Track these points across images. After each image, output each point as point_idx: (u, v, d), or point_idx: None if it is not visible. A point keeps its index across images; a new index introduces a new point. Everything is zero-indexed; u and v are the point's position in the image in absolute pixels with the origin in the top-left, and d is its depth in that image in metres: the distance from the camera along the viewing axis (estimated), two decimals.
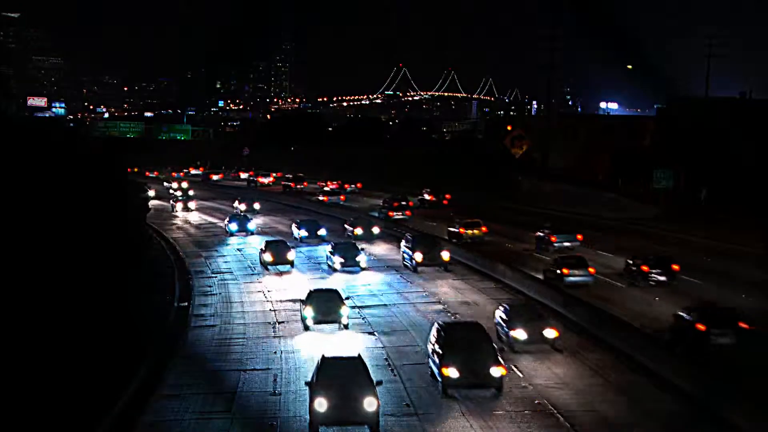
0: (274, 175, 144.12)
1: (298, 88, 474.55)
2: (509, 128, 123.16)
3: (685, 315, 34.51)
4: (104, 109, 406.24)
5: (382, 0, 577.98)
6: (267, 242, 58.66)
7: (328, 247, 56.99)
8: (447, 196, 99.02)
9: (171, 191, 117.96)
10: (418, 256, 53.23)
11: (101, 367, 31.17)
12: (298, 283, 51.40)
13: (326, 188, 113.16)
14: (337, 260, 54.04)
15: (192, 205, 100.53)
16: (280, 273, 55.39)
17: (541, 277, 47.98)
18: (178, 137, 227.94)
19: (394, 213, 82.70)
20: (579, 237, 59.41)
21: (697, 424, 26.44)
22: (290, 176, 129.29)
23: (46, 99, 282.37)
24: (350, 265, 53.89)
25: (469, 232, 66.26)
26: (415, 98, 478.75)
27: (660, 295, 44.13)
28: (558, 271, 46.92)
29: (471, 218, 68.67)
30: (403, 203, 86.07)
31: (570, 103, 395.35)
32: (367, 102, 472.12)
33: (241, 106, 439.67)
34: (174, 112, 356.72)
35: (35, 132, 51.35)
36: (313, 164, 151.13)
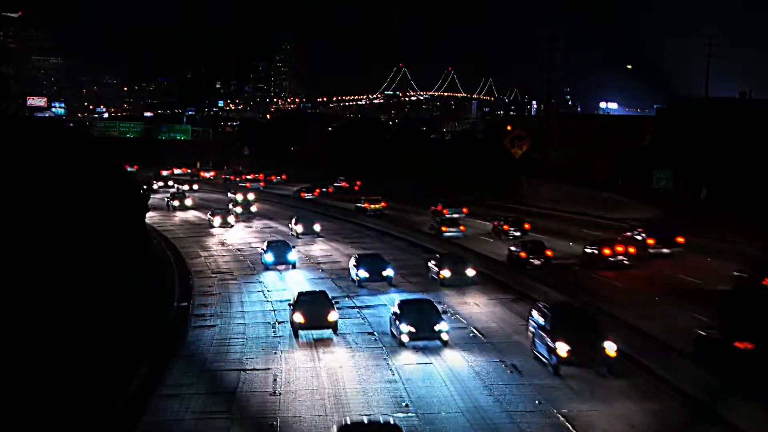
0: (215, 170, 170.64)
1: (297, 88, 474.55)
2: (509, 128, 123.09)
3: (514, 249, 55.60)
4: (104, 109, 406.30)
5: (382, 0, 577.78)
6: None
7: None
8: (358, 182, 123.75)
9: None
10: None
11: (101, 367, 31.14)
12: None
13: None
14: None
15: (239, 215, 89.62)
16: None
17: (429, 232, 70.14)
18: (178, 137, 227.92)
19: (306, 194, 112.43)
20: (464, 210, 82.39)
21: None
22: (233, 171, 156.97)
23: (45, 99, 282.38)
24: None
25: (372, 206, 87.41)
26: (415, 98, 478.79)
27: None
28: (439, 228, 69.48)
29: (374, 196, 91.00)
30: (311, 186, 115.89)
31: (570, 103, 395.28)
32: (367, 102, 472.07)
33: (240, 106, 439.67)
34: (174, 112, 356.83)
35: (29, 132, 51.31)
36: (313, 164, 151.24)
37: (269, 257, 56.34)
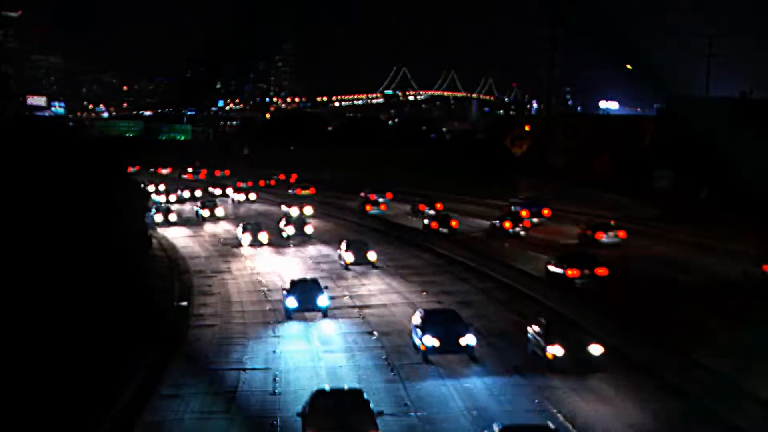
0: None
1: (297, 88, 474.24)
2: (519, 130, 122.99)
3: (426, 221, 74.89)
4: (104, 109, 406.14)
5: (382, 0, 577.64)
6: None
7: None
8: (293, 175, 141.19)
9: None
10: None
11: (101, 367, 31.13)
12: None
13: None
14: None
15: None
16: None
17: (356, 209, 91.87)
18: (178, 137, 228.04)
19: (242, 183, 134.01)
20: (388, 195, 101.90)
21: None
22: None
23: (45, 98, 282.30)
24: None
25: (304, 192, 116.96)
26: (415, 97, 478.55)
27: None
28: (363, 209, 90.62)
29: (307, 183, 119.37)
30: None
31: (570, 102, 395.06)
32: (367, 101, 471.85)
33: (240, 106, 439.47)
34: (174, 111, 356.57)
35: (27, 132, 51.29)
36: (314, 164, 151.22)
37: (291, 302, 42.81)
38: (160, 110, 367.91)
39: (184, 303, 47.57)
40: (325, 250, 66.27)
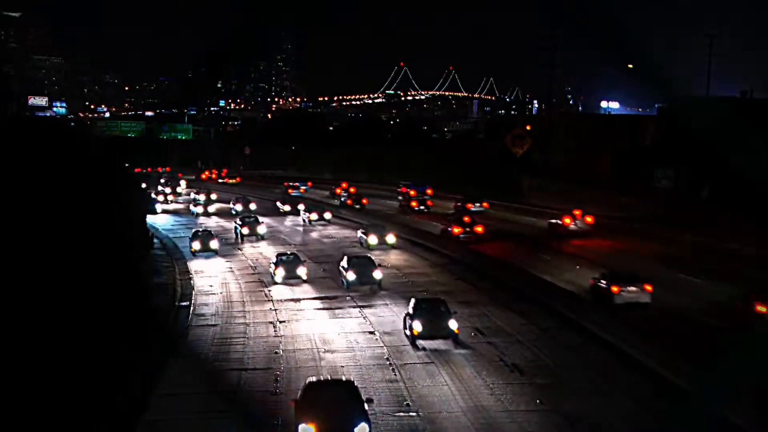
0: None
1: (299, 88, 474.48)
2: (517, 131, 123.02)
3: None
4: (105, 109, 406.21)
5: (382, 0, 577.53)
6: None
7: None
8: (224, 170, 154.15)
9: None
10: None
11: (102, 366, 31.17)
12: None
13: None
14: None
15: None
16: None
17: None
18: (179, 137, 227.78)
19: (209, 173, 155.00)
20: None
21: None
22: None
23: (47, 98, 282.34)
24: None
25: (230, 181, 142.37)
26: (416, 98, 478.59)
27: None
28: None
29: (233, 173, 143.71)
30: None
31: (571, 102, 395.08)
32: (368, 101, 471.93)
33: (242, 106, 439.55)
34: (175, 111, 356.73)
35: (29, 131, 51.31)
36: (314, 163, 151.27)
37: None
38: (161, 110, 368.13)
39: (185, 303, 47.63)
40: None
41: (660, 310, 40.59)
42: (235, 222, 75.49)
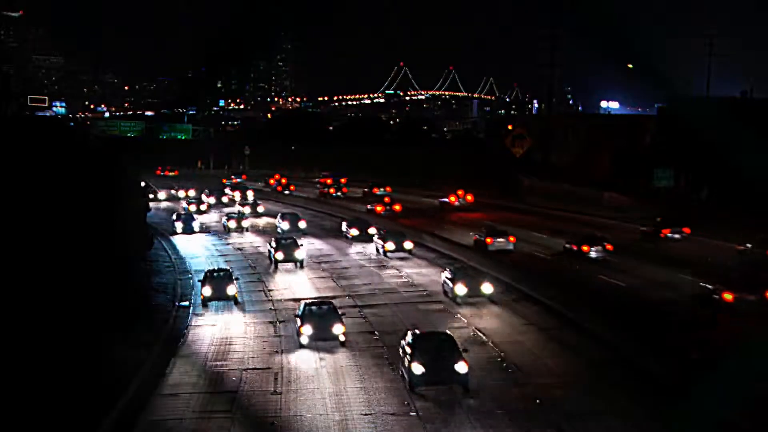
0: None
1: (298, 88, 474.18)
2: (510, 127, 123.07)
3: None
4: (105, 108, 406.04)
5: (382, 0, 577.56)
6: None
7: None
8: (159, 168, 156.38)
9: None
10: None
11: (102, 366, 31.18)
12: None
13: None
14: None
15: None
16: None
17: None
18: (179, 137, 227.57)
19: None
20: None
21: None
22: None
23: (46, 98, 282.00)
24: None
25: (171, 173, 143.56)
26: (416, 97, 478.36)
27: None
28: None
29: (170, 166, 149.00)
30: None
31: (570, 102, 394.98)
32: (368, 101, 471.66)
33: (241, 106, 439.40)
34: (175, 111, 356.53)
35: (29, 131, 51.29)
36: (314, 163, 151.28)
37: None
38: (161, 110, 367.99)
39: (185, 303, 47.63)
40: None
41: (519, 253, 59.74)
42: (269, 244, 61.41)
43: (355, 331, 39.59)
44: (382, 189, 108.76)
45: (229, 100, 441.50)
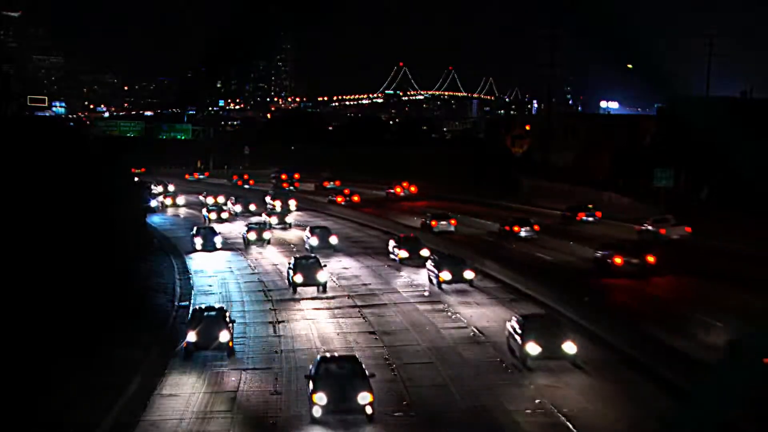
0: None
1: (298, 88, 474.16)
2: (509, 127, 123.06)
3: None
4: (104, 108, 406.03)
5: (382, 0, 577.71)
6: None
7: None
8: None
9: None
10: None
11: (102, 366, 31.16)
12: None
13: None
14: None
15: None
16: None
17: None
18: (179, 137, 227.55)
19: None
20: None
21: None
22: None
23: (46, 98, 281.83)
24: None
25: (139, 171, 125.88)
26: (416, 98, 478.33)
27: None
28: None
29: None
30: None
31: (570, 102, 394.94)
32: (368, 101, 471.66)
33: (241, 106, 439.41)
34: (174, 111, 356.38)
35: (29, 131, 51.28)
36: (314, 163, 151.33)
37: None
38: (160, 110, 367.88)
39: (185, 303, 47.63)
40: None
41: (460, 234, 70.96)
42: (289, 263, 52.07)
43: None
44: (332, 183, 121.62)
45: (229, 100, 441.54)
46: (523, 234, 67.78)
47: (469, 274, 49.41)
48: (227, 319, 36.86)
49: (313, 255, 54.28)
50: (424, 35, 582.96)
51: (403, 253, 57.81)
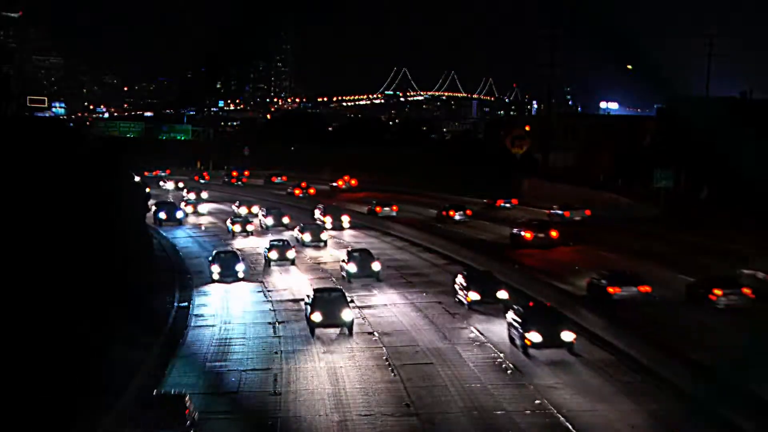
0: None
1: (298, 88, 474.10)
2: (509, 128, 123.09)
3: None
4: (104, 109, 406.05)
5: (382, 0, 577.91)
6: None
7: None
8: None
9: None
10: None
11: (102, 366, 31.14)
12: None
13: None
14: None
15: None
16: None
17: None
18: (179, 137, 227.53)
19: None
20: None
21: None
22: None
23: (46, 98, 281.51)
24: None
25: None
26: (416, 98, 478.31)
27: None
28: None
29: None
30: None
31: (570, 102, 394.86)
32: (367, 102, 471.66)
33: (241, 106, 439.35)
34: (174, 112, 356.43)
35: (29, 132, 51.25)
36: (314, 163, 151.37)
37: None
38: (160, 110, 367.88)
39: (184, 304, 47.60)
40: None
41: (402, 218, 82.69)
42: (307, 297, 42.18)
43: None
44: (279, 178, 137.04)
45: (229, 101, 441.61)
46: (457, 217, 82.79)
47: (567, 336, 34.90)
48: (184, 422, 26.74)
49: (338, 288, 43.95)
50: (424, 35, 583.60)
51: (474, 295, 43.79)
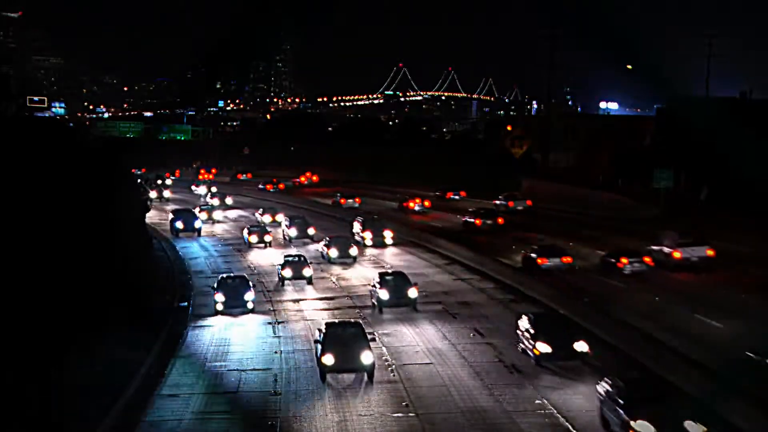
0: None
1: (298, 88, 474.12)
2: (509, 128, 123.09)
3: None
4: (104, 109, 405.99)
5: (382, 0, 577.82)
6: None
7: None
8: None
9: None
10: None
11: (102, 366, 31.15)
12: None
13: None
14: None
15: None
16: None
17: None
18: (178, 137, 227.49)
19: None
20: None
21: None
22: None
23: (45, 99, 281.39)
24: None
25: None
26: (415, 98, 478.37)
27: None
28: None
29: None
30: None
31: (570, 102, 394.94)
32: (367, 102, 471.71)
33: (241, 106, 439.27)
34: (174, 112, 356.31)
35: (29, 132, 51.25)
36: (314, 163, 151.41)
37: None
38: (160, 111, 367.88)
39: (184, 303, 47.59)
40: None
41: (365, 209, 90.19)
42: (319, 332, 34.53)
43: None
44: (244, 175, 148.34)
45: (229, 101, 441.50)
46: (416, 208, 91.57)
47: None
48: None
49: (355, 321, 36.48)
50: (424, 35, 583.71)
51: (543, 347, 32.68)
